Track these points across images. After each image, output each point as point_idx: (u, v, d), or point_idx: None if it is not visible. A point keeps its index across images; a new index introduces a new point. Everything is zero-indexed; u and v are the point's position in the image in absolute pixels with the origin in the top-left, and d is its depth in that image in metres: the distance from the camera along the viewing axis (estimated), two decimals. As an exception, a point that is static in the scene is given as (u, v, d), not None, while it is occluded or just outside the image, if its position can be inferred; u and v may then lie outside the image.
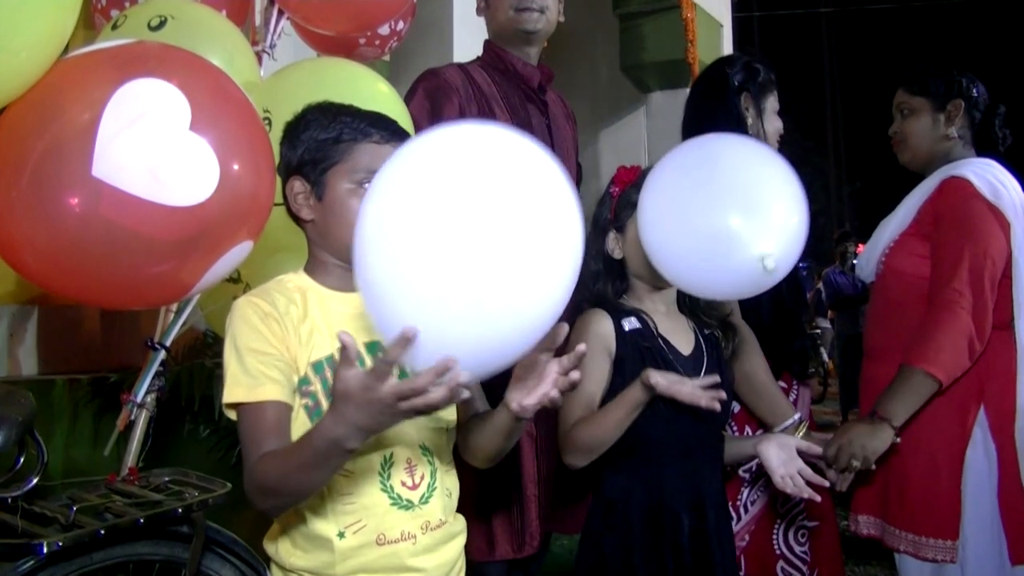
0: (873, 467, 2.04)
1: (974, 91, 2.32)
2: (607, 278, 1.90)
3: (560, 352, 1.28)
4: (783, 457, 1.80)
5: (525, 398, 1.28)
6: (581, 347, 1.25)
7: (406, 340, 0.99)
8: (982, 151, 2.34)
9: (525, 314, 1.03)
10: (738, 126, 2.33)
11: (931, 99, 2.32)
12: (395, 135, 1.45)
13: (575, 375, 1.26)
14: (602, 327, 1.81)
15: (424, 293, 0.98)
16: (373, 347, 1.40)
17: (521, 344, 1.07)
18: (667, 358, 1.81)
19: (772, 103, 2.37)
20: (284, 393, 1.33)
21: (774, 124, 2.37)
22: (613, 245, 1.89)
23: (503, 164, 1.03)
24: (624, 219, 1.87)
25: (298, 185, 1.44)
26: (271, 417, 1.31)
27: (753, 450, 1.86)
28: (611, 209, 1.91)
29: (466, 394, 1.08)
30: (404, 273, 0.98)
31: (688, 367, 1.82)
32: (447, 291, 0.97)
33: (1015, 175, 2.25)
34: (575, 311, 1.99)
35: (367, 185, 1.34)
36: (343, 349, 1.07)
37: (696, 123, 2.39)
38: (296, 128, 1.46)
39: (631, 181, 1.90)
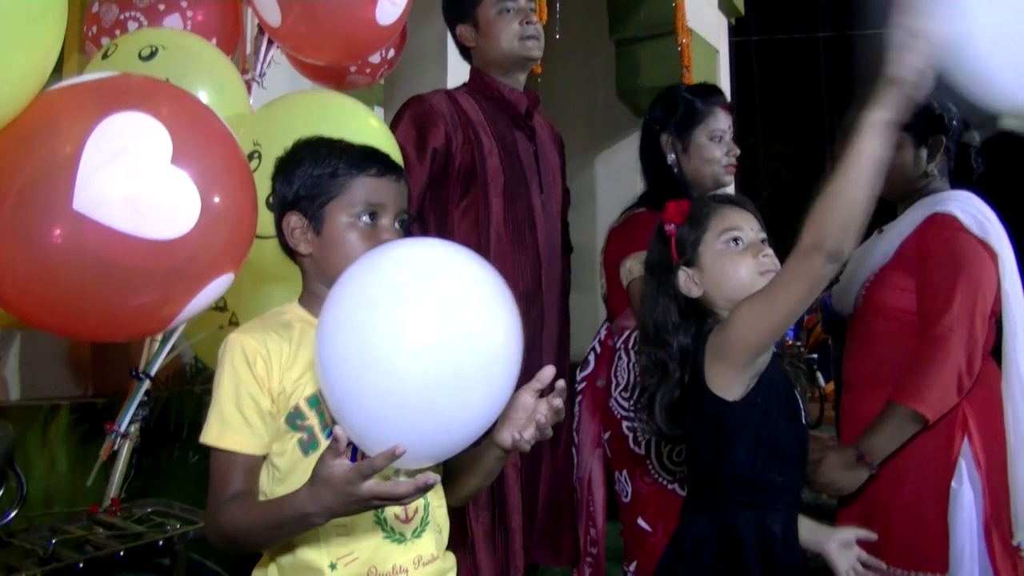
0: None
1: (953, 123, 2.32)
2: (687, 325, 1.74)
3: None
4: (848, 556, 1.71)
5: (522, 431, 1.34)
6: (559, 382, 1.29)
7: (394, 456, 1.11)
8: (956, 180, 2.35)
9: (478, 425, 1.21)
10: (660, 168, 2.35)
11: (912, 134, 2.30)
12: (389, 169, 1.47)
13: (558, 402, 1.32)
14: None
15: (410, 423, 1.13)
16: None
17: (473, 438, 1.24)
18: (795, 404, 1.71)
19: (707, 130, 2.36)
20: (254, 444, 1.36)
21: (711, 152, 2.36)
22: (688, 285, 1.73)
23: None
24: (692, 253, 1.74)
25: (295, 220, 1.44)
26: (239, 463, 1.35)
27: (816, 547, 1.75)
28: (672, 248, 1.77)
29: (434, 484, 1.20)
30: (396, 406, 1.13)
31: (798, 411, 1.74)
32: (427, 421, 1.13)
33: (991, 206, 2.25)
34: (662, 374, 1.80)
35: (365, 218, 1.42)
36: (334, 440, 1.15)
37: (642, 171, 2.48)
38: (289, 164, 1.47)
39: (685, 214, 1.77)
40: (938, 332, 2.10)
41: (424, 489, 1.16)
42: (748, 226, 1.72)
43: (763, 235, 1.74)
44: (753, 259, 1.69)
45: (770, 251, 1.71)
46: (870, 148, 1.42)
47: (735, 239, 1.71)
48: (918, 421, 2.09)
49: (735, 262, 1.70)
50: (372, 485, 1.14)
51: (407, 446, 1.12)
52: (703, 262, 1.72)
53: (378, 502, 1.18)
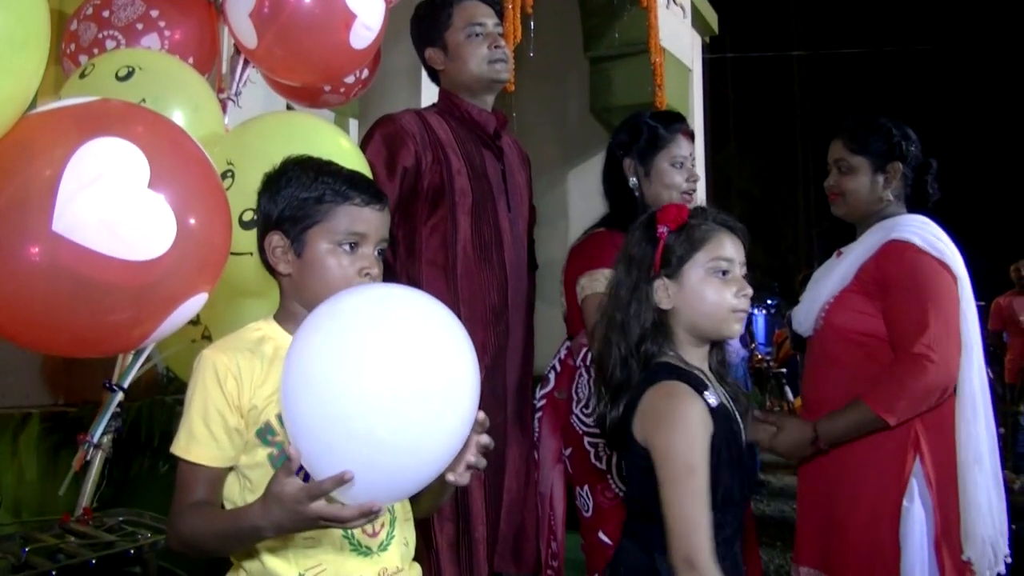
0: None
1: (911, 150, 2.38)
2: (655, 335, 1.71)
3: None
4: None
5: (456, 466, 1.34)
6: (479, 414, 1.30)
7: (342, 480, 1.15)
8: (912, 205, 2.41)
9: (435, 466, 1.23)
10: (622, 191, 2.42)
11: (870, 159, 2.38)
12: (374, 198, 1.51)
13: (485, 439, 1.35)
14: (700, 412, 1.59)
15: (361, 450, 1.15)
16: None
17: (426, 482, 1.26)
18: (738, 445, 1.66)
19: (669, 156, 2.45)
20: (218, 458, 1.41)
21: (671, 178, 2.44)
22: (661, 295, 1.70)
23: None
24: (677, 267, 1.69)
25: (277, 239, 1.48)
26: (202, 475, 1.40)
27: None
28: (657, 253, 1.72)
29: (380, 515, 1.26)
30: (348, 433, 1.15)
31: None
32: (378, 451, 1.15)
33: (944, 229, 2.31)
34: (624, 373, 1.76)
35: (346, 246, 1.46)
36: (288, 459, 1.20)
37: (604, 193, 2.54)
38: (277, 183, 1.50)
39: (682, 224, 1.72)
40: (918, 350, 2.14)
41: (368, 515, 1.20)
42: (738, 259, 1.70)
43: (745, 270, 1.72)
44: (733, 296, 1.68)
45: (750, 292, 1.70)
46: None
47: (724, 270, 1.69)
48: (878, 425, 2.15)
49: (716, 291, 1.68)
50: (319, 506, 1.19)
51: (359, 483, 1.16)
52: (685, 279, 1.69)
53: (324, 523, 1.22)
